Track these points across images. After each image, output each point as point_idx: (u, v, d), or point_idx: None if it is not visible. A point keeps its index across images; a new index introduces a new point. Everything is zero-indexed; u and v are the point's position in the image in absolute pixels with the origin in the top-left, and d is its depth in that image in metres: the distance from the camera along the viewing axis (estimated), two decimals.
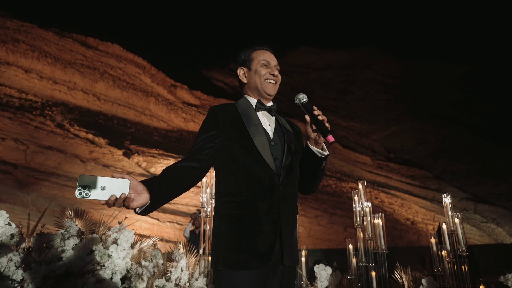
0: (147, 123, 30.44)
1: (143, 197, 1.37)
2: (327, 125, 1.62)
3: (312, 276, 3.89)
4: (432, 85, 53.43)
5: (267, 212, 1.62)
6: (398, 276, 3.19)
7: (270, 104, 1.87)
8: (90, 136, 23.42)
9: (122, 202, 1.29)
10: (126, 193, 1.28)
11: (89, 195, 1.23)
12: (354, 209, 3.65)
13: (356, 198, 3.65)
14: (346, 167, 35.90)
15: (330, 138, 1.57)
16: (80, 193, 1.22)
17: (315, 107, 1.66)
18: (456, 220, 3.18)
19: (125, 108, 30.20)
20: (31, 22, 31.76)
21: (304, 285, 3.55)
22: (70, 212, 3.23)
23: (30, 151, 19.43)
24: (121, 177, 1.28)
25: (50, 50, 30.45)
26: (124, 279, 3.07)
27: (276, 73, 1.84)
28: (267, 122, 1.80)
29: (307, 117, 1.67)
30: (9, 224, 2.67)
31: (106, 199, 1.25)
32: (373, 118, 48.60)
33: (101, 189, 1.24)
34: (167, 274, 3.33)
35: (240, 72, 1.89)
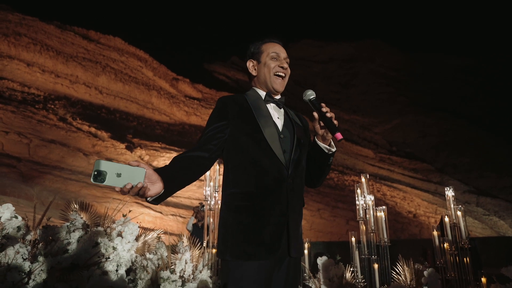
0: (149, 116, 30.46)
1: (157, 187, 1.37)
2: (335, 122, 1.61)
3: (314, 268, 3.92)
4: (435, 78, 53.10)
5: (275, 205, 1.63)
6: (400, 269, 3.21)
7: (278, 97, 1.86)
8: (92, 129, 23.49)
9: (138, 191, 1.28)
10: (142, 182, 1.27)
11: (104, 181, 1.21)
12: (357, 202, 3.66)
13: (358, 191, 3.66)
14: (349, 160, 35.90)
15: (339, 135, 1.56)
16: (95, 178, 1.19)
17: (323, 104, 1.65)
18: (458, 213, 3.20)
19: (127, 101, 30.21)
20: (32, 16, 31.68)
21: (307, 277, 3.59)
22: (75, 205, 3.26)
23: (34, 145, 19.52)
24: (138, 165, 1.26)
25: (52, 43, 30.40)
26: (129, 271, 3.11)
27: (286, 66, 1.82)
28: (276, 114, 1.80)
29: (315, 114, 1.66)
30: (15, 217, 2.71)
31: (121, 187, 1.24)
32: (375, 111, 48.44)
33: (117, 176, 1.23)
34: (171, 266, 3.37)
35: (250, 64, 1.87)
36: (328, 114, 1.61)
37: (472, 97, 49.37)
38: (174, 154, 24.04)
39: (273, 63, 1.81)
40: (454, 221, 3.29)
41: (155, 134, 27.60)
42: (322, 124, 1.66)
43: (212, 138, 1.67)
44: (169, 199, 20.22)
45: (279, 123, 1.77)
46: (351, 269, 3.50)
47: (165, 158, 23.40)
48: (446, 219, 3.33)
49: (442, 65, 56.09)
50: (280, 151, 1.68)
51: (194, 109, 33.83)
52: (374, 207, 3.54)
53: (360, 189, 3.67)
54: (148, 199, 1.37)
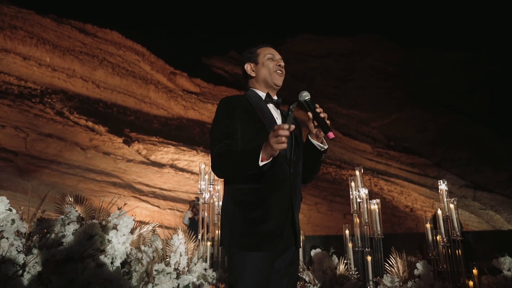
0: (147, 110, 30.38)
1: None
2: (327, 122, 1.76)
3: (310, 262, 3.96)
4: (433, 73, 53.09)
5: (279, 200, 1.77)
6: (393, 261, 3.25)
7: (275, 97, 2.01)
8: (90, 123, 23.42)
9: (286, 138, 1.52)
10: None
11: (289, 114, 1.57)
12: (351, 196, 3.69)
13: (353, 184, 3.69)
14: (346, 154, 35.98)
15: (331, 134, 1.72)
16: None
17: (317, 105, 1.80)
18: (451, 206, 3.23)
19: (125, 95, 30.10)
20: (28, 9, 31.38)
21: (301, 269, 3.62)
22: (70, 199, 3.27)
23: (30, 139, 19.46)
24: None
25: (48, 37, 30.17)
26: (124, 263, 3.13)
27: (282, 64, 1.99)
28: (276, 115, 1.95)
29: (310, 114, 1.81)
30: (10, 210, 2.72)
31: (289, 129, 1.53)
32: (373, 106, 48.45)
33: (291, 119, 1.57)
34: (166, 259, 3.39)
35: (248, 67, 2.02)
36: (322, 115, 1.77)
37: (470, 92, 49.45)
38: (172, 149, 24.07)
39: (271, 63, 1.97)
40: (447, 213, 3.32)
41: (153, 129, 27.55)
42: (315, 123, 1.82)
43: (232, 133, 1.81)
44: (167, 193, 20.25)
45: (279, 123, 1.91)
46: (345, 261, 3.53)
47: (162, 153, 23.40)
48: (439, 211, 3.36)
49: (441, 60, 56.05)
50: (284, 150, 1.79)
51: (192, 103, 33.75)
52: (368, 200, 3.57)
53: (354, 182, 3.69)
54: (265, 163, 1.60)
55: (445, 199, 3.33)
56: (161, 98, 32.41)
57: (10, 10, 29.89)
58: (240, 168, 1.71)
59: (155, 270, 3.15)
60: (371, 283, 3.34)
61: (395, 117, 46.21)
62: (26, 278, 2.57)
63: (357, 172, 3.61)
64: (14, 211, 2.77)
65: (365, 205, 3.55)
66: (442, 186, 3.41)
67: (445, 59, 56.44)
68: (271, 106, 1.95)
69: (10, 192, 13.42)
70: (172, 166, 22.62)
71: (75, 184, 17.50)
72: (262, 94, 1.97)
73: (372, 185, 29.13)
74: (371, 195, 3.76)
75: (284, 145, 1.54)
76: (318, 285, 3.28)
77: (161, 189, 20.29)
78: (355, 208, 3.61)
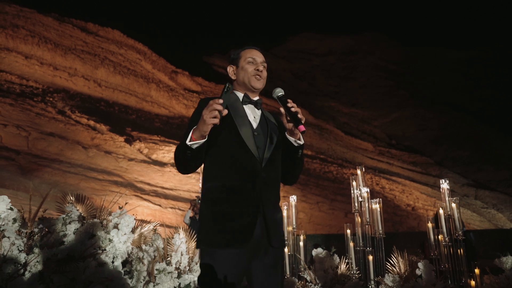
0: (149, 109, 30.39)
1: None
2: (300, 116, 1.75)
3: (311, 261, 3.95)
4: (434, 72, 52.93)
5: (248, 196, 1.78)
6: (394, 260, 3.24)
7: (256, 98, 2.01)
8: (91, 122, 23.45)
9: (218, 113, 1.60)
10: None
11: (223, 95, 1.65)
12: (353, 195, 3.68)
13: (354, 183, 3.68)
14: (348, 153, 35.93)
15: (301, 127, 1.72)
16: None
17: (289, 100, 1.80)
18: (453, 205, 3.21)
19: (126, 94, 30.11)
20: (30, 7, 31.40)
21: (302, 269, 3.62)
22: (71, 198, 3.27)
23: (32, 138, 19.51)
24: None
25: (50, 35, 30.19)
26: (125, 262, 3.13)
27: (261, 68, 1.98)
28: (252, 115, 1.96)
29: (282, 109, 1.82)
30: (11, 209, 2.72)
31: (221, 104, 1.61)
32: (374, 105, 48.36)
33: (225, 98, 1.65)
34: (167, 258, 3.39)
35: (230, 69, 2.05)
36: (293, 109, 1.77)
37: (472, 90, 49.29)
38: (173, 147, 24.01)
39: (250, 67, 1.97)
40: (449, 213, 3.30)
41: (154, 127, 27.57)
42: (288, 118, 1.81)
43: None
44: (168, 192, 20.27)
45: (254, 122, 1.93)
46: (346, 260, 3.52)
47: (164, 151, 23.41)
48: (441, 211, 3.35)
49: (442, 58, 55.89)
50: (254, 147, 1.83)
51: (193, 102, 33.74)
52: (369, 199, 3.56)
53: (355, 181, 3.68)
54: (195, 142, 1.67)
55: (447, 198, 3.32)
56: (163, 97, 32.41)
57: (12, 9, 29.92)
58: (179, 153, 1.76)
59: (156, 270, 3.15)
60: (372, 282, 3.33)
61: (397, 115, 46.12)
62: (27, 277, 2.57)
63: (359, 171, 3.60)
64: (15, 210, 2.77)
65: (367, 204, 3.54)
66: (444, 185, 3.40)
67: (447, 57, 56.27)
68: (250, 107, 1.96)
69: (12, 191, 13.46)
70: (173, 165, 22.63)
71: (76, 183, 17.53)
72: (240, 95, 1.99)
73: (374, 184, 29.10)
74: (373, 194, 3.75)
75: (216, 120, 1.60)
76: (320, 284, 3.28)
77: (163, 188, 20.32)
78: (357, 207, 3.61)
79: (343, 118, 45.46)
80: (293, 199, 4.01)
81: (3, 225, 2.62)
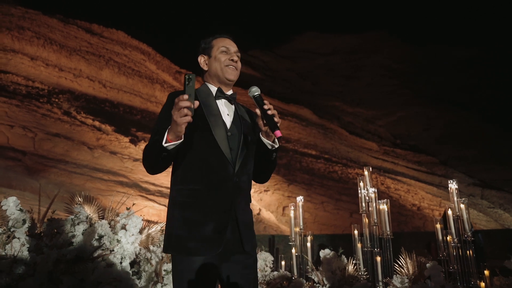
0: (153, 110, 30.48)
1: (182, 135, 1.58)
2: (276, 119, 1.65)
3: (318, 261, 3.94)
4: (440, 70, 52.58)
5: (220, 202, 1.68)
6: (403, 261, 3.22)
7: (230, 92, 1.90)
8: (96, 123, 23.56)
9: (188, 110, 1.49)
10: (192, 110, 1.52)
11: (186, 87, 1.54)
12: (360, 195, 3.67)
13: (361, 184, 3.66)
14: (352, 153, 35.82)
15: (277, 133, 1.62)
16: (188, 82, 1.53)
17: (266, 102, 1.69)
18: (462, 206, 3.19)
19: (131, 95, 30.24)
20: (35, 9, 31.62)
21: (309, 270, 3.61)
22: (80, 198, 3.29)
23: (38, 138, 19.64)
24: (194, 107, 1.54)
25: (55, 37, 30.39)
26: (133, 263, 3.14)
27: (236, 58, 1.87)
28: (226, 111, 1.84)
29: (258, 111, 1.71)
30: (21, 210, 2.74)
31: (189, 98, 1.52)
32: (379, 104, 48.14)
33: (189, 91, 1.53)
34: None
35: (201, 60, 1.94)
36: (270, 112, 1.66)
37: (477, 89, 48.92)
38: None
39: (223, 57, 1.86)
40: (458, 213, 3.28)
41: None
42: (264, 121, 1.71)
43: (165, 129, 1.68)
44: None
45: (228, 120, 1.82)
46: (354, 261, 3.51)
47: None
48: (450, 211, 3.32)
49: (447, 57, 55.50)
50: (228, 149, 1.73)
51: None
52: (377, 199, 3.54)
53: (363, 182, 3.67)
54: (171, 144, 1.57)
55: (455, 199, 3.29)
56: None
57: (17, 11, 30.16)
58: (151, 153, 1.66)
59: (164, 270, 3.16)
60: (380, 283, 3.31)
61: (401, 114, 45.88)
62: (37, 277, 2.59)
63: (366, 172, 3.59)
64: (25, 211, 2.79)
65: (374, 205, 3.52)
66: (453, 185, 3.37)
67: (452, 56, 55.88)
68: (223, 102, 1.86)
69: (19, 191, 13.56)
70: None
71: (82, 183, 17.62)
72: (214, 89, 1.88)
73: (379, 184, 28.98)
74: (378, 194, 3.72)
75: (188, 118, 1.50)
76: (327, 285, 3.27)
77: (168, 188, 20.36)
78: (364, 208, 3.59)
79: (347, 117, 45.31)
80: (300, 199, 4.00)
81: (13, 226, 2.64)
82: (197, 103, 1.55)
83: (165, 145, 1.56)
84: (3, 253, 2.44)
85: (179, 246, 1.65)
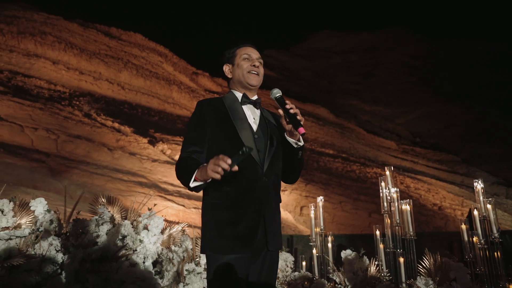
0: (170, 111, 30.88)
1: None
2: (299, 117, 1.73)
3: (338, 261, 3.91)
4: (460, 66, 51.23)
5: (250, 202, 1.77)
6: (427, 262, 3.15)
7: (255, 97, 1.98)
8: (116, 125, 24.04)
9: (222, 170, 1.55)
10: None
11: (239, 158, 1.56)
12: (381, 195, 3.61)
13: (383, 184, 3.61)
14: (370, 152, 35.31)
15: (301, 130, 1.70)
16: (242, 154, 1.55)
17: (288, 101, 1.77)
18: (489, 206, 3.10)
19: (149, 96, 30.71)
20: (56, 14, 32.53)
21: (331, 270, 3.58)
22: (103, 199, 3.36)
23: (61, 140, 20.19)
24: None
25: (76, 41, 31.17)
26: (155, 263, 3.19)
27: (257, 64, 1.95)
28: (252, 115, 1.93)
29: (281, 111, 1.79)
30: (48, 211, 2.82)
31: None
32: (398, 102, 47.29)
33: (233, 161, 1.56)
34: (196, 258, 3.43)
35: (226, 68, 2.03)
36: (292, 111, 1.73)
37: (500, 84, 47.40)
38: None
39: (245, 63, 1.94)
40: (484, 214, 3.19)
41: (176, 129, 27.97)
42: (287, 120, 1.78)
43: (200, 142, 1.84)
44: (192, 192, 20.47)
45: (254, 124, 1.90)
46: (376, 262, 3.46)
47: None
48: (475, 212, 3.23)
49: (468, 52, 54.02)
50: (255, 151, 1.81)
51: None
52: (399, 200, 3.48)
53: (384, 181, 3.61)
54: (198, 184, 1.67)
55: (481, 199, 3.20)
56: (184, 98, 32.85)
57: (39, 17, 31.09)
58: (182, 181, 1.78)
59: (186, 270, 3.19)
60: (404, 285, 3.25)
61: (421, 112, 44.94)
62: (64, 276, 2.66)
63: (387, 172, 3.53)
64: (52, 212, 2.87)
65: (396, 205, 3.46)
66: (478, 184, 3.28)
67: (473, 51, 54.36)
68: (248, 106, 1.94)
69: (43, 192, 13.97)
70: None
71: (103, 184, 18.01)
72: (239, 95, 1.96)
73: (398, 183, 28.46)
74: (399, 194, 3.66)
75: (218, 176, 1.56)
76: (349, 286, 3.23)
77: (186, 188, 20.56)
78: (386, 208, 3.53)
79: (365, 116, 44.71)
80: (320, 199, 3.98)
81: (41, 226, 2.72)
82: (235, 168, 1.59)
83: (192, 185, 1.70)
84: (32, 253, 2.52)
85: (214, 246, 1.75)
